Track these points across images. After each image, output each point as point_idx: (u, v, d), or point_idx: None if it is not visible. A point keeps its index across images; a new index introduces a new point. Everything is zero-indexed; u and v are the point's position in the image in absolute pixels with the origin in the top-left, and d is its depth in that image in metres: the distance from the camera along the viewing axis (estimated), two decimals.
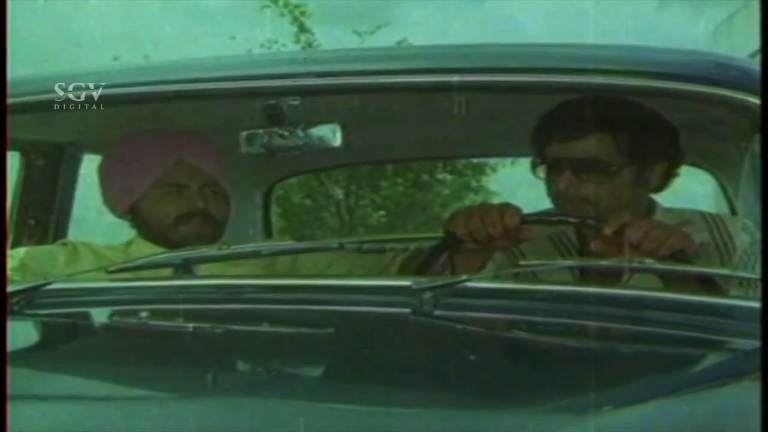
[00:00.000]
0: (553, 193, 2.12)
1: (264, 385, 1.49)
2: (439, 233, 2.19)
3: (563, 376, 1.49)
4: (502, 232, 2.00)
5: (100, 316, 1.99)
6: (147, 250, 2.20)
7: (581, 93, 1.97)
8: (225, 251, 2.00)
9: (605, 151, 2.06)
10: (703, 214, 2.17)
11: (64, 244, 2.36)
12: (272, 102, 1.87)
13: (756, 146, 1.76)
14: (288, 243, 2.38)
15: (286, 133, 1.89)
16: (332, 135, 1.90)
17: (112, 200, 2.35)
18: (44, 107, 2.01)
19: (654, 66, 1.84)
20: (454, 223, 2.06)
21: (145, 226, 2.31)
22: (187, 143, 2.30)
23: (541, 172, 2.15)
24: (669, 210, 2.18)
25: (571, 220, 2.10)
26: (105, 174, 2.37)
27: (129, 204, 2.31)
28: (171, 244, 2.21)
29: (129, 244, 2.33)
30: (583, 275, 2.04)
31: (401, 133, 2.79)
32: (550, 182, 2.13)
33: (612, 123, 2.04)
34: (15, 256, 2.25)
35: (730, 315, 1.70)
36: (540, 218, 2.12)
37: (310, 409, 1.35)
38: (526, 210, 2.05)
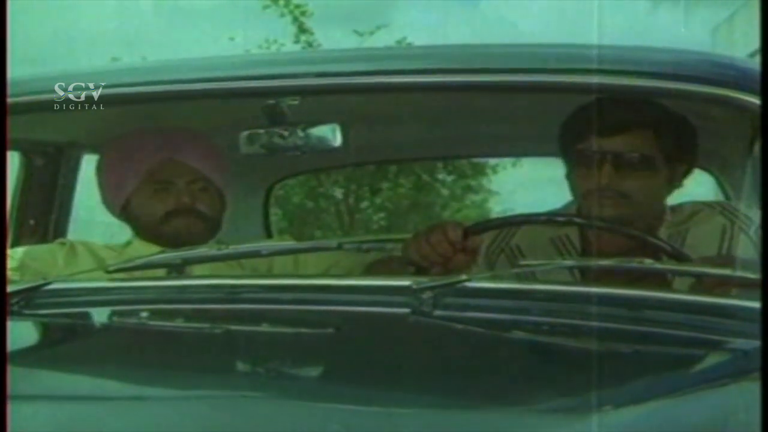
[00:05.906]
0: (583, 190, 2.09)
1: (263, 386, 1.49)
2: None
3: (563, 376, 1.49)
4: (450, 249, 1.99)
5: (99, 316, 1.99)
6: (144, 250, 2.19)
7: (581, 93, 1.96)
8: (225, 251, 2.00)
9: (649, 147, 2.06)
10: (703, 203, 2.20)
11: (63, 244, 2.36)
12: (272, 102, 1.87)
13: (756, 146, 1.76)
14: (288, 243, 2.38)
15: (285, 133, 1.89)
16: (332, 135, 1.90)
17: (107, 199, 2.35)
18: (44, 107, 2.01)
19: (654, 66, 1.84)
20: (408, 251, 2.04)
21: (138, 224, 2.31)
22: (176, 141, 2.30)
23: (571, 169, 2.13)
24: (677, 207, 2.18)
25: (515, 221, 2.15)
26: (100, 173, 2.38)
27: (122, 202, 2.31)
28: (162, 241, 2.22)
29: (127, 244, 2.33)
30: (585, 277, 2.04)
31: (401, 133, 2.79)
32: (582, 178, 2.09)
33: (653, 120, 2.04)
34: (14, 255, 2.25)
35: (731, 315, 1.70)
36: (484, 226, 2.13)
37: (310, 409, 1.36)
38: (526, 210, 2.05)
